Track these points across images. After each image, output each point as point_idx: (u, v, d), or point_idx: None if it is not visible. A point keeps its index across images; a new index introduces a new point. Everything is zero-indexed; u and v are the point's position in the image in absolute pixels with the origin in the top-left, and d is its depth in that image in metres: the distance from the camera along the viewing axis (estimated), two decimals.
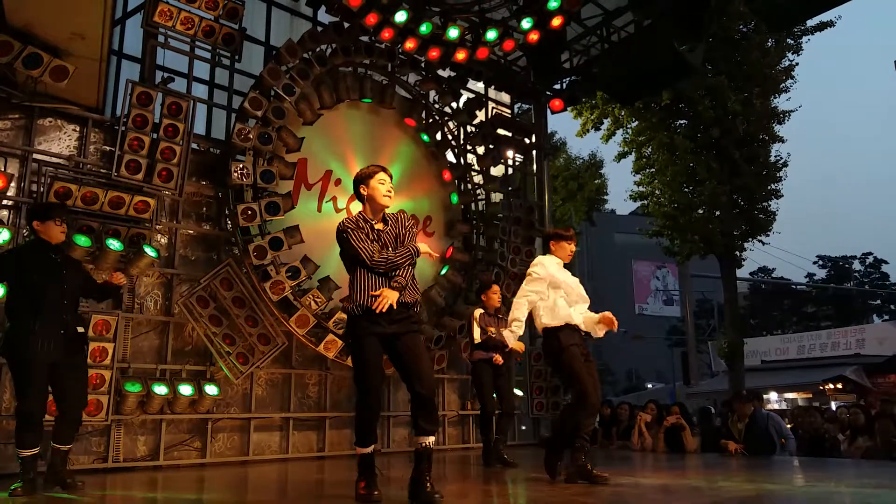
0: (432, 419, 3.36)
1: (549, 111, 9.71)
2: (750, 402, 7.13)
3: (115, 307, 5.56)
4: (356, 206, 6.71)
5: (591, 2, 8.75)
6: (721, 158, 12.45)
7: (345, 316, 6.31)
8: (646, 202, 14.07)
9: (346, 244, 3.51)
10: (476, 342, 5.86)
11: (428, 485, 3.24)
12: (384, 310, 3.35)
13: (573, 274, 4.67)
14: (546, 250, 4.64)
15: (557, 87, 9.92)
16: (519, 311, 4.37)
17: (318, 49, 7.10)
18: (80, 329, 4.08)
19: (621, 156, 14.07)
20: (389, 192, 3.63)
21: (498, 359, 5.72)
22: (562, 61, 9.51)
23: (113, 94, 6.33)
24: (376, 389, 3.48)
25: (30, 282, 3.90)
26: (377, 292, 3.39)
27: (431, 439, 3.34)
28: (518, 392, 8.05)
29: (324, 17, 7.73)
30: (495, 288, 6.09)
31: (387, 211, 3.68)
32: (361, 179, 3.63)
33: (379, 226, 3.58)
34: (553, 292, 4.33)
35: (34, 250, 4.06)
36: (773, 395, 20.72)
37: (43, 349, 3.81)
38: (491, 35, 7.97)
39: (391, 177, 3.68)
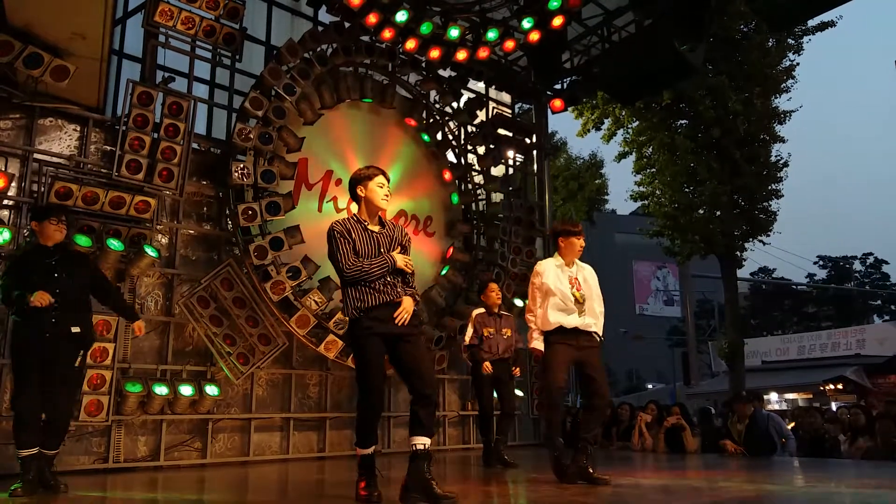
0: (432, 420, 3.36)
1: (549, 111, 9.71)
2: (750, 403, 7.12)
3: None
4: (356, 207, 6.69)
5: (592, 1, 8.74)
6: (722, 158, 12.45)
7: (345, 316, 6.31)
8: (646, 202, 14.06)
9: (332, 247, 3.51)
10: (465, 343, 5.90)
11: (434, 485, 3.21)
12: (405, 321, 3.41)
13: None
14: (554, 247, 4.59)
15: (558, 86, 9.92)
16: (531, 325, 4.45)
17: (318, 49, 7.10)
18: (76, 329, 4.00)
19: (622, 156, 14.06)
20: (387, 196, 3.61)
21: (487, 367, 5.73)
22: (562, 61, 9.51)
23: (114, 93, 6.34)
24: (378, 390, 3.47)
25: (29, 284, 3.91)
26: (399, 299, 3.43)
27: (429, 440, 3.32)
28: (518, 392, 8.04)
29: (324, 16, 7.73)
30: (492, 286, 6.07)
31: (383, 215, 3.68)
32: (359, 180, 3.60)
33: (375, 228, 3.57)
34: (547, 300, 4.34)
35: (34, 252, 4.11)
36: (773, 396, 20.71)
37: (34, 351, 3.84)
38: (491, 35, 7.97)
39: (389, 180, 3.67)
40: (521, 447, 7.90)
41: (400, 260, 3.48)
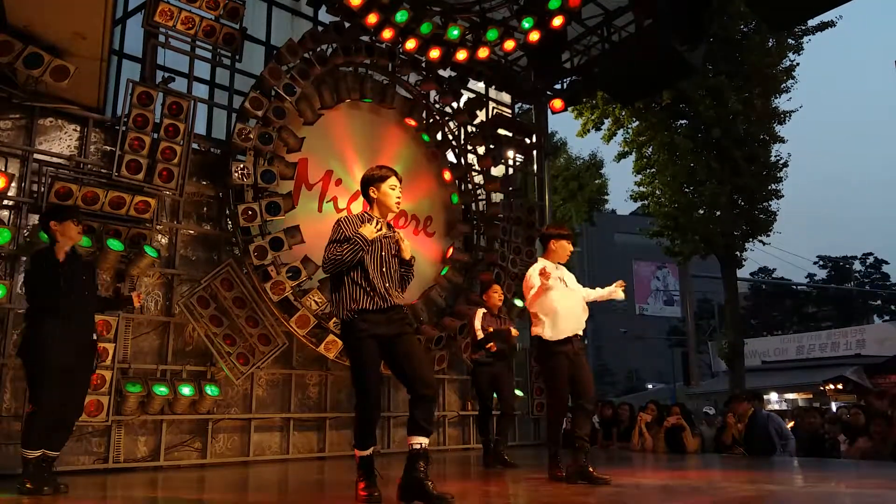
0: (431, 420, 3.35)
1: (549, 111, 9.70)
2: (748, 402, 7.13)
3: None
4: (357, 206, 6.69)
5: (592, 1, 8.74)
6: (721, 158, 12.46)
7: (338, 318, 6.30)
8: (646, 202, 14.09)
9: (330, 238, 3.49)
10: (478, 339, 5.85)
11: (429, 484, 3.20)
12: (405, 253, 3.50)
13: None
14: (545, 249, 4.66)
15: (558, 87, 9.92)
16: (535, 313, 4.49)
17: (318, 49, 7.10)
18: (95, 336, 4.11)
19: (622, 156, 14.08)
20: (399, 199, 3.60)
21: (492, 346, 5.69)
22: (562, 61, 9.49)
23: (114, 93, 6.34)
24: (375, 391, 3.46)
25: (56, 285, 3.86)
26: (402, 241, 3.52)
27: (426, 440, 3.29)
28: (518, 393, 8.04)
29: (324, 16, 7.73)
30: (496, 287, 6.10)
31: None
32: (372, 181, 3.57)
33: (385, 230, 3.56)
34: (553, 308, 4.37)
35: (58, 252, 3.99)
36: (773, 396, 20.71)
37: (67, 354, 3.82)
38: (491, 35, 7.96)
39: (401, 181, 3.63)
40: (521, 447, 7.90)
41: (369, 233, 3.41)
